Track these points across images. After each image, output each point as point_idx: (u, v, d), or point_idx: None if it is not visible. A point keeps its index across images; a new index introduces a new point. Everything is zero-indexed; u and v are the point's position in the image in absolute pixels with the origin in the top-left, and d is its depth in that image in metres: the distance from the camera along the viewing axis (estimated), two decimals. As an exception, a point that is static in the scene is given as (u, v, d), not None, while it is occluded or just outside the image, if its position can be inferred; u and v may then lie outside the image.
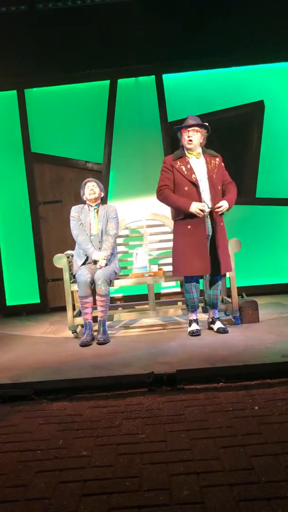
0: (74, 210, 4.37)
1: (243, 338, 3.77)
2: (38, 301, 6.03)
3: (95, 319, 4.27)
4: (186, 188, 3.83)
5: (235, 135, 5.92)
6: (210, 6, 5.40)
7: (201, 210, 3.77)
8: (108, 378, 2.96)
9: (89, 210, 4.36)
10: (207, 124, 3.94)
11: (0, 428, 2.45)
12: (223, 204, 3.83)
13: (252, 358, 3.15)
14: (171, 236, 4.47)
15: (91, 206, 4.35)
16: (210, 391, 2.73)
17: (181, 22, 5.50)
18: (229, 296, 4.36)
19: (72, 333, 4.35)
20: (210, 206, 3.84)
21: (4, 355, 3.87)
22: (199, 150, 3.93)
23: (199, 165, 3.87)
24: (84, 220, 4.32)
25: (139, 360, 3.37)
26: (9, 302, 6.04)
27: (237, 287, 4.39)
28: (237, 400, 2.56)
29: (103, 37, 5.54)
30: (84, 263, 4.29)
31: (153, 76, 5.93)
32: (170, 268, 4.76)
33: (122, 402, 2.69)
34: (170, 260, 4.63)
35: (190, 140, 3.84)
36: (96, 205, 4.35)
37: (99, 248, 4.29)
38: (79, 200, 4.61)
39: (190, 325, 4.11)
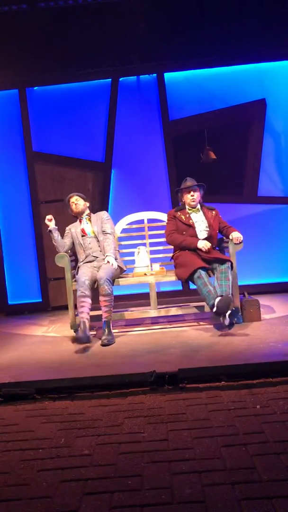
0: (67, 227, 4.57)
1: (245, 337, 3.76)
2: (40, 300, 6.04)
3: (96, 318, 4.27)
4: (184, 233, 4.39)
5: (237, 133, 5.92)
6: (212, 4, 5.39)
7: (206, 245, 4.21)
8: (109, 377, 2.96)
9: (80, 222, 4.54)
10: (203, 184, 4.52)
11: (2, 427, 2.45)
12: (238, 235, 4.30)
13: (254, 357, 3.15)
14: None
15: (82, 217, 4.54)
16: (212, 390, 2.73)
17: (183, 20, 5.50)
18: (232, 295, 4.35)
19: (74, 332, 4.35)
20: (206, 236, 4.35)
21: (6, 354, 3.87)
22: (198, 206, 4.51)
23: (197, 216, 4.45)
24: (74, 231, 4.50)
25: (141, 359, 3.37)
26: (11, 301, 6.05)
27: (239, 286, 4.39)
28: (239, 399, 2.56)
29: (105, 35, 5.54)
30: (83, 261, 4.35)
31: (155, 75, 5.92)
32: (172, 267, 4.77)
33: (123, 401, 2.69)
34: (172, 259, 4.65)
35: (193, 199, 4.43)
36: (86, 215, 4.54)
37: (99, 246, 4.40)
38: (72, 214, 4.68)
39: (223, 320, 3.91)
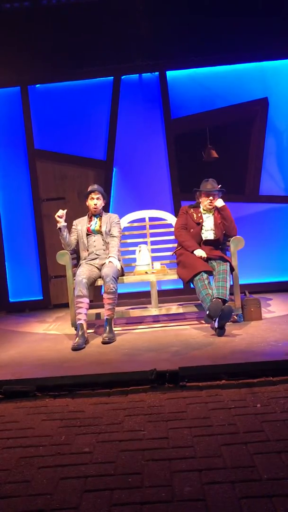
0: (74, 222, 4.54)
1: (245, 336, 3.76)
2: (41, 298, 6.04)
3: (96, 316, 4.27)
4: (192, 230, 4.41)
5: (238, 132, 5.91)
6: (214, 3, 5.38)
7: (201, 256, 4.21)
8: (110, 375, 2.96)
9: (90, 220, 4.48)
10: (224, 190, 4.50)
11: (3, 424, 2.45)
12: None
13: (255, 355, 3.15)
14: (173, 233, 4.53)
15: (94, 216, 4.49)
16: (213, 389, 2.73)
17: (185, 18, 5.48)
18: (232, 294, 4.35)
19: (75, 330, 4.35)
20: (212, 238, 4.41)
21: (7, 351, 3.88)
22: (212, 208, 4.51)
23: (208, 217, 4.46)
24: (81, 229, 4.45)
25: (142, 357, 3.37)
26: (12, 298, 6.05)
27: (240, 285, 4.38)
28: (240, 398, 2.56)
29: (107, 33, 5.53)
30: (85, 259, 4.36)
31: (157, 73, 5.92)
32: (173, 265, 4.78)
33: (124, 399, 2.69)
34: (173, 257, 4.66)
35: (211, 204, 4.43)
36: (98, 214, 4.49)
37: (103, 245, 4.39)
38: (82, 198, 4.64)
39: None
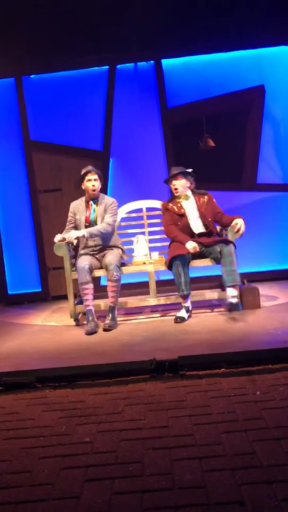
0: (71, 207, 4.45)
1: (244, 324, 3.77)
2: (40, 289, 6.04)
3: (95, 307, 4.26)
4: (179, 223, 4.34)
5: (235, 120, 5.88)
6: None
7: (194, 248, 4.15)
8: (110, 365, 2.96)
9: (88, 206, 4.39)
10: (189, 171, 4.39)
11: (3, 416, 2.46)
12: (239, 222, 4.19)
13: (254, 344, 3.15)
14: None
15: (91, 201, 4.38)
16: (212, 377, 2.74)
17: (180, 6, 5.42)
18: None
19: (74, 321, 4.36)
20: (204, 231, 4.33)
21: (6, 343, 3.88)
22: (188, 193, 4.42)
23: (189, 204, 4.38)
24: (79, 218, 4.37)
25: (141, 347, 3.38)
26: (11, 291, 6.05)
27: (239, 274, 4.38)
28: (239, 386, 2.57)
29: (102, 22, 5.47)
30: (84, 249, 4.36)
31: (152, 62, 5.87)
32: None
33: (124, 389, 2.70)
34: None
35: (176, 189, 4.39)
36: (96, 198, 4.37)
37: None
38: (79, 189, 4.60)
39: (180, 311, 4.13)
